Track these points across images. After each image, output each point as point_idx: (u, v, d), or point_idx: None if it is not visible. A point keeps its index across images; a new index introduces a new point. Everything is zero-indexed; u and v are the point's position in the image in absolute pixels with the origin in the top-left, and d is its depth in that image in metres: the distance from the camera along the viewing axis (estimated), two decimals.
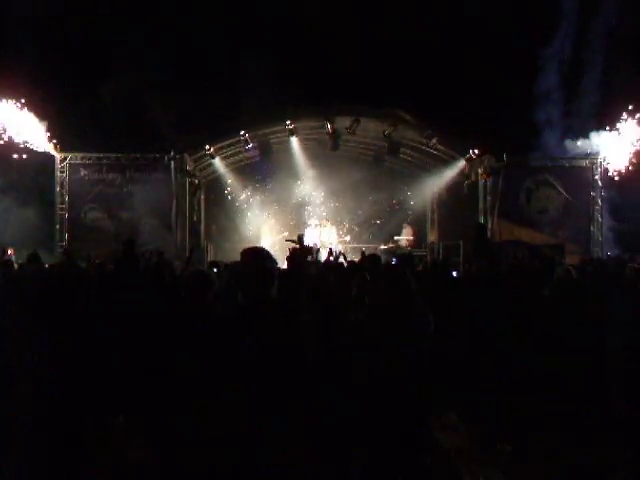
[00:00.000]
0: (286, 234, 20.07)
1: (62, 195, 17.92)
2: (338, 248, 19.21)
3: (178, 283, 5.65)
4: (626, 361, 5.27)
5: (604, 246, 18.11)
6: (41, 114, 17.29)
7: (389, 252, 19.06)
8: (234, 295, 3.71)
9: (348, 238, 21.28)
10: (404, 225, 21.16)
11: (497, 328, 6.75)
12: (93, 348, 4.87)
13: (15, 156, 16.58)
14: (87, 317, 5.29)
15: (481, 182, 18.69)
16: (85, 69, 20.68)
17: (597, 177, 18.41)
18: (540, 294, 7.02)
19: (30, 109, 16.77)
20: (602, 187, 18.39)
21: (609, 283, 7.25)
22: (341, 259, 8.89)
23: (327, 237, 19.94)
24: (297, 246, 7.99)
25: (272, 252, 3.68)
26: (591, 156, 18.47)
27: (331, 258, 9.18)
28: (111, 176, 17.86)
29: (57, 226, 17.77)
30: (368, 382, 4.40)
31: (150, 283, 6.46)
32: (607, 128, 18.06)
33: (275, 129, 18.98)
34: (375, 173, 20.98)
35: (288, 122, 18.16)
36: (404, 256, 10.44)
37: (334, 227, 20.75)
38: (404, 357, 4.35)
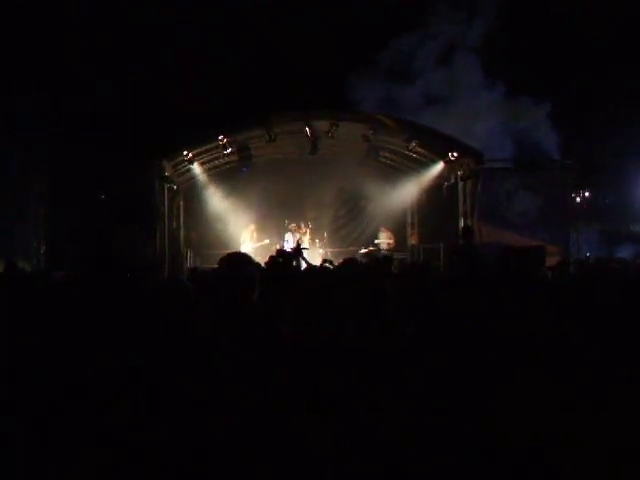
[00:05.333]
0: (267, 241, 20.00)
1: (40, 201, 17.68)
2: (319, 252, 19.24)
3: (155, 293, 5.54)
4: (605, 365, 5.24)
5: (583, 247, 18.24)
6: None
7: (369, 256, 19.05)
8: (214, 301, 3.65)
9: (327, 242, 21.19)
10: (381, 229, 21.12)
11: (480, 332, 6.70)
12: (64, 359, 4.75)
13: None
14: (58, 327, 5.17)
15: (460, 185, 18.73)
16: (61, 71, 20.59)
17: (576, 178, 18.54)
18: (521, 295, 6.97)
19: None
20: (581, 188, 18.54)
21: (589, 283, 7.25)
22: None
23: (306, 242, 19.90)
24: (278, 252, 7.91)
25: (253, 257, 3.64)
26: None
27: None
28: (89, 182, 17.68)
29: (34, 233, 17.56)
30: (349, 387, 4.35)
31: (126, 291, 6.35)
32: None
33: (254, 133, 18.88)
34: (354, 176, 20.94)
35: (267, 126, 18.08)
36: (379, 260, 10.38)
37: (313, 231, 20.69)
38: (379, 362, 4.30)
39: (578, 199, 18.46)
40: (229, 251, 7.34)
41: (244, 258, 3.57)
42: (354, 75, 23.17)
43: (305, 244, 19.32)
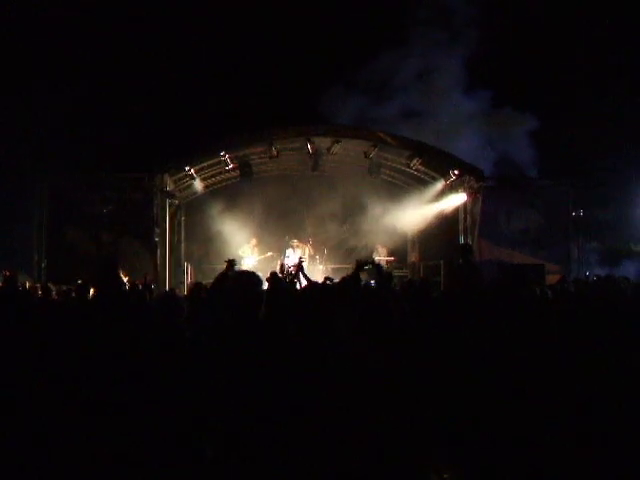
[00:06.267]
0: (270, 254, 20.01)
1: (41, 215, 17.67)
2: (319, 268, 19.23)
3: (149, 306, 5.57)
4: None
5: (584, 266, 18.23)
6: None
7: (369, 273, 19.01)
8: (220, 317, 3.69)
9: (328, 258, 21.14)
10: (377, 246, 21.09)
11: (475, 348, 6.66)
12: (63, 370, 4.78)
13: None
14: (62, 340, 5.20)
15: (461, 202, 18.78)
16: (65, 86, 20.68)
17: (576, 196, 18.55)
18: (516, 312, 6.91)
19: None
20: (581, 206, 18.55)
21: (587, 302, 7.25)
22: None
23: (306, 258, 19.90)
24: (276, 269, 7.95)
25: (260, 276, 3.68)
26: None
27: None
28: (91, 196, 17.69)
29: (36, 247, 17.53)
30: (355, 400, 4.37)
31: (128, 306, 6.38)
32: None
33: (255, 150, 18.97)
34: (355, 193, 20.99)
35: (268, 142, 18.16)
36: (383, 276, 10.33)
37: (314, 247, 20.67)
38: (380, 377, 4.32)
39: (578, 217, 18.45)
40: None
41: (253, 278, 3.62)
42: (332, 90, 23.21)
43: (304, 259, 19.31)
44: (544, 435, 5.12)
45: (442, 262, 17.96)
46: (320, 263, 20.28)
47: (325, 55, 24.19)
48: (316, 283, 7.73)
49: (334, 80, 23.29)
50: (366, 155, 18.81)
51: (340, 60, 24.00)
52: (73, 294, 8.33)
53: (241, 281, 3.54)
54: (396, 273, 19.41)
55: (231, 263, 7.59)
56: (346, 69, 23.52)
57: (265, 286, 5.08)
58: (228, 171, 19.48)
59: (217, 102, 24.46)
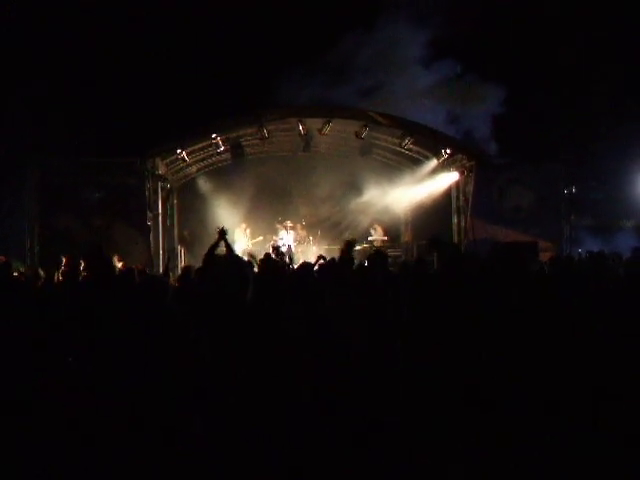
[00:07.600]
0: (260, 238, 19.98)
1: (32, 200, 17.53)
2: (312, 249, 19.23)
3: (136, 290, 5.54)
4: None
5: (576, 243, 18.26)
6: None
7: (363, 253, 19.03)
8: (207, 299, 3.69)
9: (321, 239, 21.12)
10: (374, 225, 21.10)
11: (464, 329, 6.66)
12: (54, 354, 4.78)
13: None
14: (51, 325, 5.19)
15: (453, 181, 18.78)
16: (55, 72, 20.54)
17: (568, 173, 18.54)
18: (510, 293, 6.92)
19: None
20: (573, 183, 18.54)
21: (584, 280, 7.26)
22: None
23: (298, 240, 19.90)
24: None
25: (245, 256, 3.70)
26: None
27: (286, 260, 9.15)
28: (82, 181, 17.58)
29: (27, 232, 17.42)
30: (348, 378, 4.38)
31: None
32: None
33: (246, 131, 18.90)
34: (348, 173, 20.98)
35: (260, 124, 18.08)
36: (373, 256, 10.21)
37: (306, 228, 20.66)
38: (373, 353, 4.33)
39: (571, 194, 18.46)
40: (223, 249, 7.31)
41: (239, 261, 3.64)
42: (294, 70, 22.87)
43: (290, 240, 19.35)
44: (548, 417, 5.15)
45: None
46: (313, 244, 20.28)
47: (281, 36, 23.94)
48: (309, 263, 7.73)
49: (296, 60, 23.00)
50: (357, 135, 18.73)
51: (301, 40, 23.69)
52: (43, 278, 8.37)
53: (227, 264, 3.54)
54: (389, 252, 19.43)
55: (222, 233, 7.19)
56: (307, 48, 23.16)
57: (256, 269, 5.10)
58: (220, 153, 19.43)
59: (207, 84, 24.31)
